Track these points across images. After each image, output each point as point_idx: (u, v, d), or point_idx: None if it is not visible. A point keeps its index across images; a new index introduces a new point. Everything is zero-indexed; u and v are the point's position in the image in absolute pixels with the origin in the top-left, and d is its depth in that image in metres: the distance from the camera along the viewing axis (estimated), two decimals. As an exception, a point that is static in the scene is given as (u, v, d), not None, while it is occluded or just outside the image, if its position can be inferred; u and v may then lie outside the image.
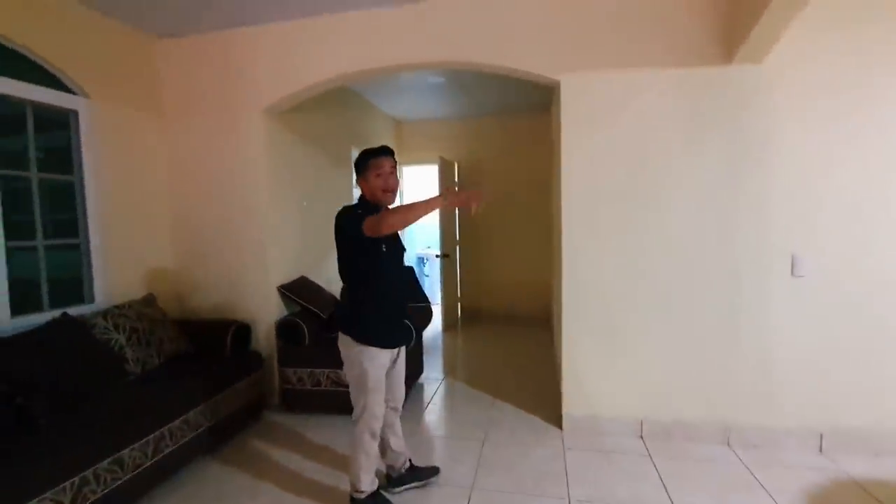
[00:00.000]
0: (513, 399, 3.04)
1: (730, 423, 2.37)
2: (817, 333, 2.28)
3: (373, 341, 1.78)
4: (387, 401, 1.90)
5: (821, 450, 2.26)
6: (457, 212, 5.35)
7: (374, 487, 1.89)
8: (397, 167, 1.88)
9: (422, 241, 6.89)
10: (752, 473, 2.11)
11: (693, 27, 2.30)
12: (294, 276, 3.22)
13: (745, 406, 2.35)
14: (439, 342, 4.58)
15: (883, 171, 2.19)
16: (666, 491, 1.99)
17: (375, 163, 1.83)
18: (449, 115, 5.42)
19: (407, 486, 2.05)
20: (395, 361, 1.93)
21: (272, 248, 2.99)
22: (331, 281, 3.61)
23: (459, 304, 5.52)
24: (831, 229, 2.25)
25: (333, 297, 3.37)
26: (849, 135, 2.22)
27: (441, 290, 5.11)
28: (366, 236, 1.68)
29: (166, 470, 2.07)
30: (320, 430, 2.66)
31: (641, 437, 2.45)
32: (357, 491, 1.85)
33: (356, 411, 1.82)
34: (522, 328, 4.99)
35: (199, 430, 2.25)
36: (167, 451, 2.05)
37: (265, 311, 2.98)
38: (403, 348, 1.98)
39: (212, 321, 2.86)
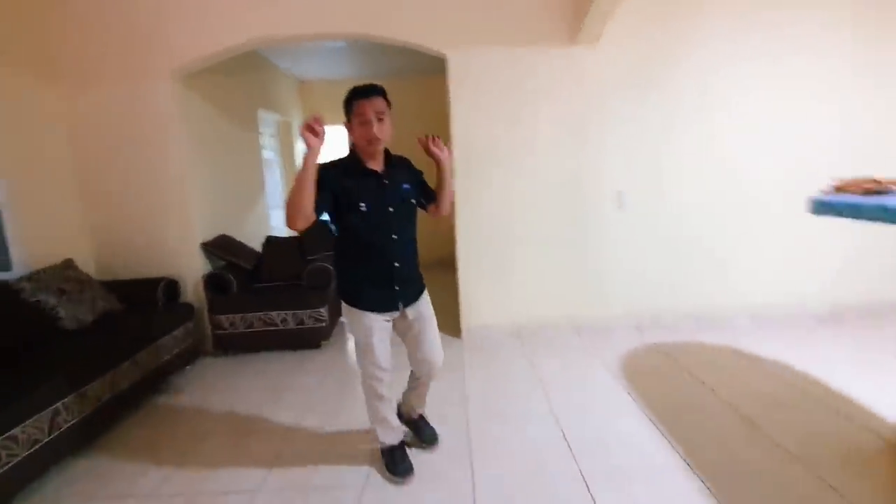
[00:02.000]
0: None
1: (579, 318, 3.23)
2: (636, 248, 3.17)
3: (353, 303, 1.68)
4: (412, 365, 1.87)
5: (638, 329, 3.21)
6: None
7: (396, 441, 1.85)
8: (388, 109, 1.60)
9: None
10: (589, 347, 2.97)
11: (547, 16, 2.91)
12: (214, 234, 3.44)
13: (589, 304, 3.22)
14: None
15: (676, 129, 3.04)
16: (532, 365, 2.77)
17: (357, 106, 1.55)
18: (353, 76, 5.63)
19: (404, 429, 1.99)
20: (404, 329, 1.79)
21: (193, 208, 3.18)
22: (249, 237, 3.86)
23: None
24: (643, 174, 3.08)
25: (254, 251, 3.66)
26: (653, 101, 3.02)
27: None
28: (339, 197, 1.55)
29: (126, 404, 2.38)
30: (253, 364, 3.06)
31: (518, 335, 3.23)
32: (378, 441, 1.86)
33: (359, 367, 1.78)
34: (432, 271, 5.62)
35: (145, 374, 2.50)
36: (119, 390, 2.32)
37: (191, 267, 3.21)
38: (418, 315, 1.76)
39: (140, 279, 3.03)
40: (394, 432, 1.86)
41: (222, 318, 3.15)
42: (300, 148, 5.97)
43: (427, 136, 1.70)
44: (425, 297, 1.82)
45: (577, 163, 3.07)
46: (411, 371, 1.93)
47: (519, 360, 2.88)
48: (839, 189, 1.81)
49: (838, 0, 2.91)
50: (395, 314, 1.73)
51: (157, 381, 2.66)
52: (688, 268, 3.20)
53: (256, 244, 3.82)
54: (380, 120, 1.56)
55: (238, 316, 3.15)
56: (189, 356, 3.02)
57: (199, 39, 2.94)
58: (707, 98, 3.01)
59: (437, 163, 1.74)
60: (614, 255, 3.18)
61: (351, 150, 1.67)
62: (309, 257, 3.45)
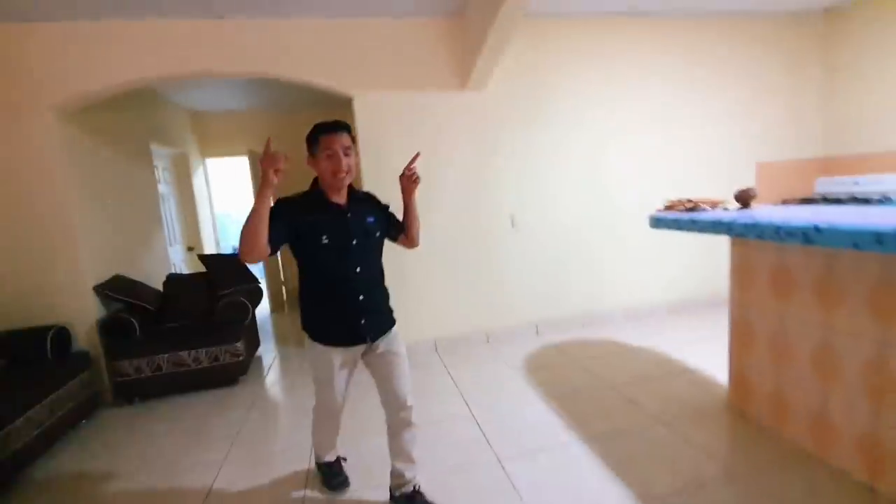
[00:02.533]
0: (343, 350, 3.78)
1: (487, 328, 3.60)
2: (529, 262, 3.64)
3: (318, 338, 1.67)
4: (385, 411, 1.77)
5: (537, 333, 3.67)
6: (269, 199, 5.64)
7: (332, 458, 1.96)
8: (353, 144, 1.64)
9: (235, 234, 6.86)
10: (496, 352, 3.34)
11: (441, 66, 3.31)
12: (108, 274, 3.22)
13: (494, 315, 3.61)
14: (269, 324, 4.93)
15: (555, 159, 3.60)
16: (449, 375, 3.04)
17: (325, 140, 1.59)
18: (254, 107, 5.58)
19: None
20: (373, 364, 1.73)
21: (83, 249, 2.97)
22: (148, 275, 3.66)
23: (284, 287, 5.88)
24: (531, 199, 3.59)
25: (155, 290, 3.47)
26: (534, 136, 3.55)
27: (264, 275, 5.39)
28: (299, 229, 1.56)
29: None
30: (164, 410, 2.90)
31: (436, 349, 3.49)
32: (315, 455, 1.98)
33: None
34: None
35: (30, 437, 2.25)
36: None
37: (83, 312, 2.97)
38: (382, 350, 1.71)
39: (24, 330, 2.74)
40: (332, 451, 1.96)
41: (125, 363, 2.95)
42: (200, 182, 5.69)
43: (414, 161, 1.75)
44: (396, 334, 1.75)
45: (476, 191, 3.48)
46: (387, 426, 1.78)
47: (438, 370, 3.14)
48: (668, 208, 2.39)
49: (676, 57, 3.73)
50: (362, 347, 1.68)
51: (50, 441, 2.43)
52: (571, 277, 3.75)
53: (157, 283, 3.63)
54: (346, 154, 1.58)
55: (144, 360, 2.98)
56: (85, 409, 2.79)
57: (84, 77, 2.82)
58: (581, 134, 3.63)
59: (407, 192, 1.76)
60: (512, 269, 3.62)
61: (314, 185, 1.66)
62: (220, 292, 3.38)
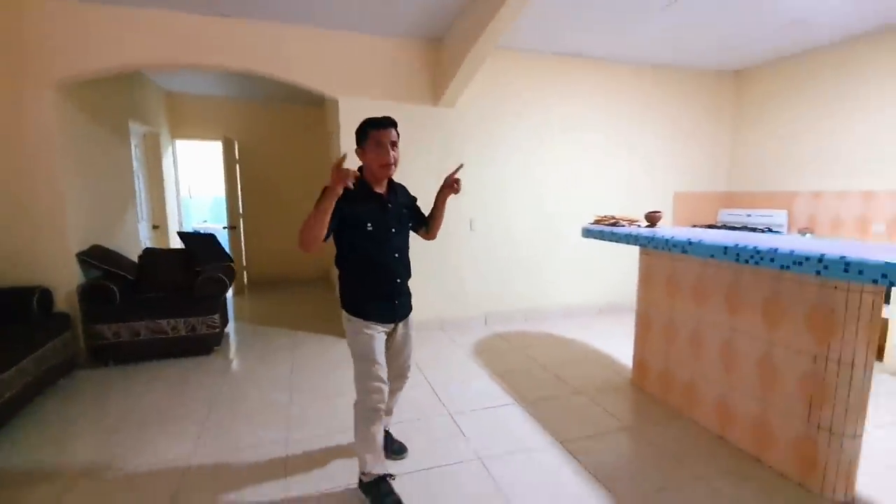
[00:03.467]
0: (309, 329, 4.11)
1: (443, 317, 4.07)
2: (483, 261, 4.16)
3: (360, 314, 1.78)
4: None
5: (486, 323, 4.19)
6: (239, 186, 5.83)
7: (382, 471, 1.81)
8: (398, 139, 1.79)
9: (197, 217, 6.89)
10: (452, 338, 3.81)
11: (418, 84, 3.76)
12: (87, 244, 3.38)
13: (451, 306, 4.09)
14: (230, 305, 5.13)
15: (509, 171, 4.15)
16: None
17: (376, 134, 1.73)
18: (228, 94, 5.75)
19: None
20: (389, 338, 1.89)
21: (69, 217, 3.14)
22: (121, 249, 3.81)
23: (245, 272, 6.05)
24: (489, 203, 4.11)
25: (131, 261, 3.65)
26: (494, 151, 4.09)
27: (229, 259, 5.56)
28: (346, 216, 1.67)
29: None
30: (145, 372, 3.14)
31: (396, 333, 3.92)
32: (363, 472, 1.80)
33: (356, 388, 1.80)
34: (306, 287, 6.00)
35: (18, 389, 2.42)
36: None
37: (65, 276, 3.14)
38: (400, 332, 1.92)
39: (10, 289, 2.88)
40: (382, 460, 1.82)
41: (104, 327, 3.15)
42: (169, 162, 5.75)
43: (457, 172, 1.93)
44: (412, 315, 1.96)
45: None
46: None
47: (397, 351, 3.56)
48: (596, 221, 2.98)
49: (613, 96, 4.40)
50: (391, 326, 1.86)
51: (35, 394, 2.62)
52: (518, 276, 4.32)
53: (130, 256, 3.80)
54: (393, 148, 1.74)
55: (123, 325, 3.19)
56: (64, 369, 2.96)
57: (85, 57, 3.02)
58: (532, 152, 4.20)
59: (444, 195, 1.94)
60: (468, 267, 4.12)
61: (359, 175, 1.74)
62: (198, 268, 3.62)
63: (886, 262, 1.43)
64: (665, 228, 2.84)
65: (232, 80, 5.07)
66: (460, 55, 3.25)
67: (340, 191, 1.54)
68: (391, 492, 1.79)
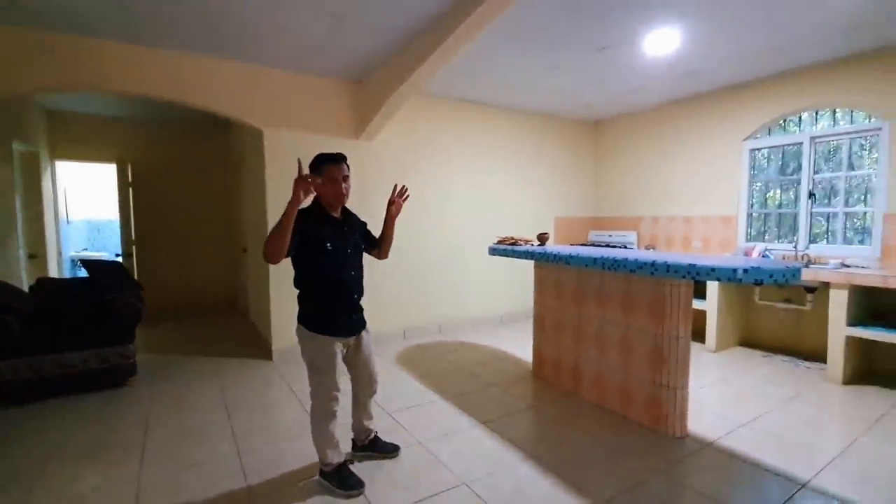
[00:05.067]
0: (227, 354, 4.10)
1: (366, 333, 4.37)
2: (400, 280, 4.58)
3: (321, 330, 1.97)
4: (354, 385, 2.22)
5: (404, 337, 4.58)
6: (132, 213, 5.49)
7: (340, 459, 2.06)
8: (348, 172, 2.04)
9: (75, 244, 6.20)
10: (376, 352, 4.14)
11: (341, 119, 4.14)
12: (-30, 276, 3.08)
13: (372, 322, 4.40)
14: (129, 337, 4.79)
15: (426, 199, 4.68)
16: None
17: (331, 169, 1.96)
18: (121, 114, 5.45)
19: (367, 453, 2.31)
20: (353, 351, 2.13)
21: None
22: (9, 275, 3.48)
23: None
24: (405, 230, 4.56)
25: (23, 291, 3.37)
26: (411, 178, 4.57)
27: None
28: (307, 237, 1.88)
29: None
30: (48, 412, 2.94)
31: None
32: (323, 464, 2.05)
33: (311, 393, 2.03)
34: (209, 314, 5.79)
35: None
36: None
37: (-53, 313, 2.84)
38: (364, 340, 2.17)
39: None
40: (339, 451, 2.08)
41: (2, 365, 2.89)
42: (48, 185, 5.17)
43: (401, 189, 2.22)
44: (368, 327, 2.22)
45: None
46: (353, 395, 2.26)
47: (326, 366, 3.78)
48: (499, 242, 3.62)
49: (504, 136, 5.20)
50: (350, 340, 2.10)
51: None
52: (432, 293, 4.81)
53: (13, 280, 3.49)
54: (344, 181, 1.98)
55: (23, 361, 2.96)
56: (-52, 413, 2.68)
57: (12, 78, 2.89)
58: (443, 183, 4.78)
59: (390, 216, 2.19)
60: (386, 286, 4.50)
61: (315, 201, 2.02)
62: (108, 296, 3.46)
63: (689, 264, 2.20)
64: (552, 246, 3.58)
65: (126, 99, 4.87)
66: (382, 97, 3.72)
67: (303, 198, 1.75)
68: (352, 473, 2.09)
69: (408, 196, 2.30)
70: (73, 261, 6.07)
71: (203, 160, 6.06)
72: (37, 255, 4.73)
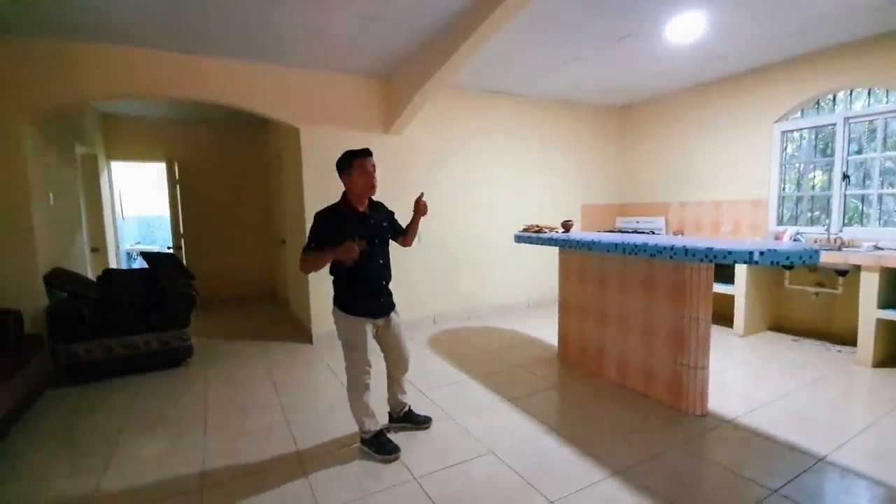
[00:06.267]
0: (270, 338, 4.42)
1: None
2: (430, 268, 4.78)
3: (353, 312, 2.20)
4: (388, 363, 2.44)
5: (434, 322, 4.79)
6: (179, 207, 5.89)
7: (377, 427, 2.28)
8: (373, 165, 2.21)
9: (129, 238, 6.71)
10: (408, 337, 4.36)
11: (370, 115, 4.33)
12: (48, 267, 3.46)
13: (405, 309, 4.63)
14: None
15: (453, 190, 4.84)
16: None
17: (361, 162, 2.14)
18: (167, 115, 5.82)
19: (402, 424, 2.53)
20: (384, 331, 2.33)
21: (38, 240, 3.25)
22: (77, 267, 3.88)
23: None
24: (435, 218, 4.72)
25: (93, 281, 3.76)
26: (438, 172, 4.75)
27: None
28: (336, 235, 2.07)
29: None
30: (123, 389, 3.31)
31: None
32: (363, 431, 2.28)
33: (346, 367, 2.25)
34: (252, 304, 6.18)
35: (9, 408, 2.54)
36: None
37: (32, 299, 3.23)
38: (393, 321, 2.36)
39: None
40: (375, 420, 2.29)
41: (77, 346, 3.26)
42: (105, 184, 5.63)
43: (422, 197, 2.42)
44: (397, 309, 2.41)
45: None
46: (388, 372, 2.48)
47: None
48: (525, 229, 3.74)
49: (532, 125, 5.27)
50: (380, 321, 2.30)
51: (21, 412, 2.74)
52: (461, 280, 4.99)
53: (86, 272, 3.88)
54: (374, 171, 2.18)
55: (96, 343, 3.32)
56: (40, 388, 3.06)
57: (68, 89, 3.21)
58: (469, 173, 4.93)
59: (417, 213, 2.42)
60: (418, 274, 4.71)
61: (344, 197, 2.22)
62: (165, 284, 3.81)
63: (707, 247, 2.28)
64: (576, 233, 3.68)
65: (172, 101, 5.21)
66: (410, 92, 3.87)
67: (345, 258, 2.09)
68: (389, 440, 2.31)
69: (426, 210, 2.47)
70: (128, 253, 6.57)
71: (243, 156, 6.40)
72: (98, 248, 5.18)
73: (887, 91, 3.72)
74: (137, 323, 3.50)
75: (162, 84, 3.50)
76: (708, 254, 2.26)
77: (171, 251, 5.50)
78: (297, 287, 4.90)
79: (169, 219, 5.71)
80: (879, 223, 3.83)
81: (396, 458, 2.23)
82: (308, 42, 3.43)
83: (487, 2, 2.75)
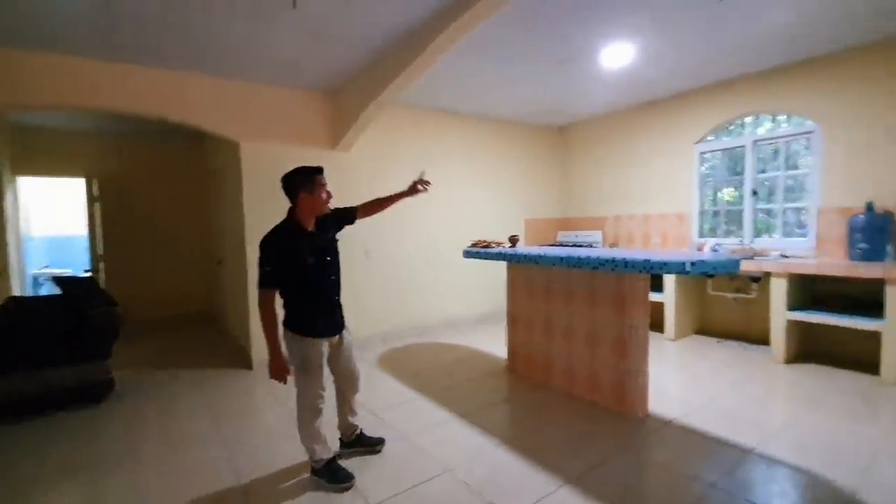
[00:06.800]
0: (205, 365, 4.12)
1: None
2: (378, 285, 4.71)
3: (309, 333, 2.12)
4: (338, 385, 2.37)
5: (384, 341, 4.71)
6: (99, 227, 5.40)
7: (329, 455, 2.19)
8: None
9: (36, 261, 6.01)
10: (357, 356, 4.25)
11: (318, 131, 4.24)
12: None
13: (353, 328, 4.51)
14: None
15: (398, 207, 4.80)
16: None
17: (320, 179, 2.12)
18: (88, 128, 5.35)
19: (354, 449, 2.43)
20: (336, 350, 2.27)
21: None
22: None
23: (110, 318, 5.52)
24: (382, 236, 4.71)
25: (-6, 314, 3.32)
26: (387, 186, 4.70)
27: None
28: (287, 259, 2.04)
29: None
30: (32, 432, 2.93)
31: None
32: (314, 461, 2.18)
33: (297, 393, 2.16)
34: (187, 328, 5.74)
35: None
36: None
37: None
38: (345, 339, 2.31)
39: None
40: (328, 447, 2.21)
41: (-20, 384, 2.86)
42: (10, 201, 5.04)
43: (423, 176, 2.50)
44: (348, 326, 2.36)
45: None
46: (338, 394, 2.40)
47: (307, 371, 3.87)
48: (473, 245, 3.80)
49: (476, 143, 5.40)
50: (335, 339, 2.25)
51: None
52: (409, 298, 4.96)
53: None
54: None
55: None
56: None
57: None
58: (412, 190, 4.93)
59: (407, 194, 2.51)
60: (365, 291, 4.62)
61: (290, 217, 2.13)
62: (81, 312, 3.44)
63: (644, 259, 2.43)
64: (524, 247, 3.79)
65: (94, 112, 4.82)
66: (359, 108, 3.84)
67: (277, 377, 2.12)
68: (342, 467, 2.22)
69: (426, 188, 2.61)
70: (35, 278, 5.88)
71: (175, 172, 6.01)
72: (0, 272, 4.61)
73: (787, 116, 4.22)
74: (49, 356, 3.13)
75: (89, 95, 3.23)
76: (645, 266, 2.42)
77: (88, 275, 5.01)
78: (235, 308, 4.63)
79: (86, 239, 5.19)
80: (783, 234, 4.29)
81: (351, 486, 2.14)
82: (254, 55, 3.32)
83: (438, 21, 2.81)
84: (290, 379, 2.16)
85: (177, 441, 2.68)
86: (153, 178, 5.88)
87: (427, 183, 2.55)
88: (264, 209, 3.93)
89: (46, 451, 2.60)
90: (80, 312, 3.37)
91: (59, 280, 3.65)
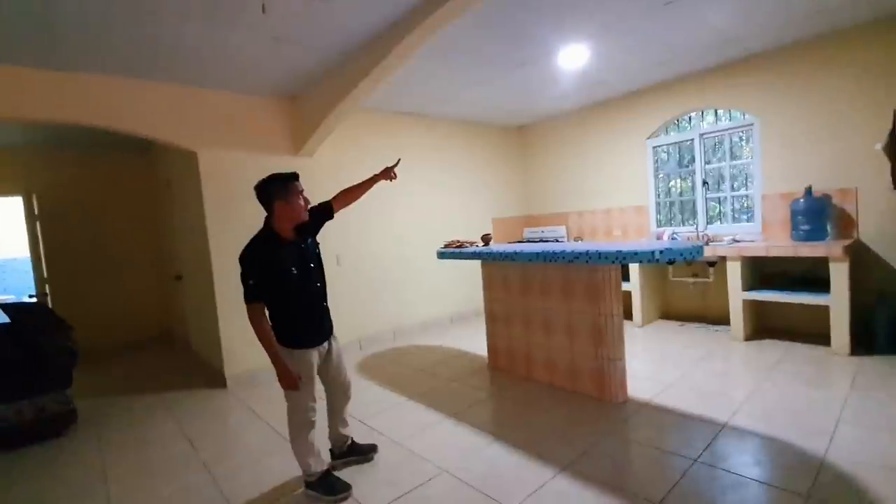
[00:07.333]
0: (176, 386, 3.92)
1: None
2: (351, 291, 4.65)
3: (298, 344, 2.07)
4: (329, 395, 2.32)
5: (360, 348, 4.65)
6: (41, 247, 5.02)
7: (323, 468, 2.14)
8: None
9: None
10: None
11: (279, 136, 4.13)
12: None
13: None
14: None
15: (369, 211, 4.78)
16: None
17: (296, 186, 2.06)
18: (22, 142, 4.96)
19: (347, 459, 2.39)
20: (325, 359, 2.22)
21: None
22: None
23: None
24: (353, 242, 4.65)
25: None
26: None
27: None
28: (270, 270, 1.97)
29: None
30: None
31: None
32: (307, 475, 2.12)
33: (288, 407, 2.10)
34: (147, 349, 5.44)
35: None
36: None
37: None
38: (334, 347, 2.27)
39: None
40: (321, 459, 2.17)
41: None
42: None
43: (395, 168, 2.46)
44: (335, 333, 2.32)
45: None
46: (329, 405, 2.36)
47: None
48: (446, 245, 3.84)
49: (445, 145, 5.43)
50: (324, 348, 2.21)
51: None
52: (384, 302, 4.92)
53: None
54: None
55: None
56: None
57: None
58: (385, 192, 4.87)
59: (379, 179, 2.44)
60: (339, 299, 4.54)
61: (266, 227, 2.06)
62: (35, 340, 3.20)
63: (616, 250, 2.55)
64: (497, 245, 3.86)
65: (27, 124, 4.47)
66: (323, 113, 3.77)
67: (288, 386, 2.04)
68: (337, 479, 2.18)
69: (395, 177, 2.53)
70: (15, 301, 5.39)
71: (123, 184, 5.67)
72: (-71, 304, 4.19)
73: (729, 111, 4.53)
74: (2, 389, 2.89)
75: (26, 105, 2.99)
76: (618, 256, 2.53)
77: (34, 300, 4.66)
78: (202, 324, 4.43)
79: (28, 261, 4.81)
80: (732, 220, 4.60)
81: (348, 497, 2.12)
82: (207, 61, 3.19)
83: (402, 26, 2.83)
84: (281, 394, 2.10)
85: (154, 470, 2.55)
86: (99, 191, 5.52)
87: (395, 173, 2.52)
88: (227, 219, 3.79)
89: (9, 492, 2.40)
90: (32, 340, 3.13)
91: (4, 307, 3.36)
